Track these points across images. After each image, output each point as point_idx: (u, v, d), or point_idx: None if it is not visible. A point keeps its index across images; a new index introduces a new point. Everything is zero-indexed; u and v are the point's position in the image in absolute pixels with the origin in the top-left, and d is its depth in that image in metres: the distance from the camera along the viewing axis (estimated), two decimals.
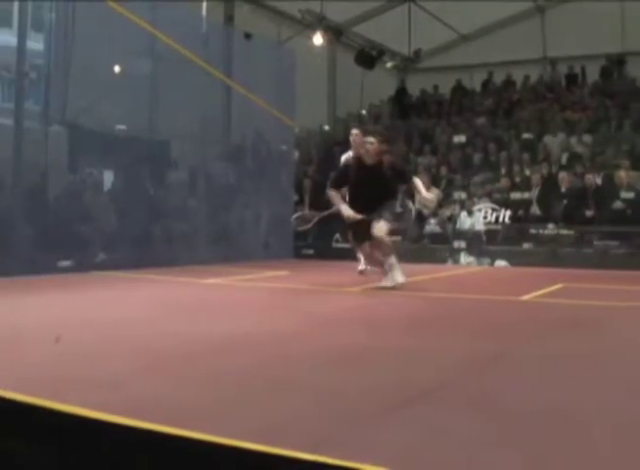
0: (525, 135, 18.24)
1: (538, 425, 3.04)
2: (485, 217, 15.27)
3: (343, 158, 10.48)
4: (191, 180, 14.32)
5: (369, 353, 4.70)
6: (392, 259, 8.67)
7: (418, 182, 9.03)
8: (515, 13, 21.33)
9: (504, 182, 16.29)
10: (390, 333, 5.72)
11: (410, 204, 11.18)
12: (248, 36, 15.12)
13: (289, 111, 15.92)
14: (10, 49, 10.94)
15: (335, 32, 19.34)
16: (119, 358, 4.41)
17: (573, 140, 17.56)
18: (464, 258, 15.00)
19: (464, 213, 15.47)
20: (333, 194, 8.76)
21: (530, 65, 21.55)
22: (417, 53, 21.84)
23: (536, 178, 15.66)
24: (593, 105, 19.01)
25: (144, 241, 12.36)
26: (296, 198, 16.39)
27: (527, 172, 16.37)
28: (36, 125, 11.55)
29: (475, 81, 22.44)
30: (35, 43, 11.73)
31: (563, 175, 15.32)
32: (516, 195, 15.73)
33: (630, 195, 14.43)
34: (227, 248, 13.97)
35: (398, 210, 9.27)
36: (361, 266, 10.61)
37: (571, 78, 20.95)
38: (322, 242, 15.28)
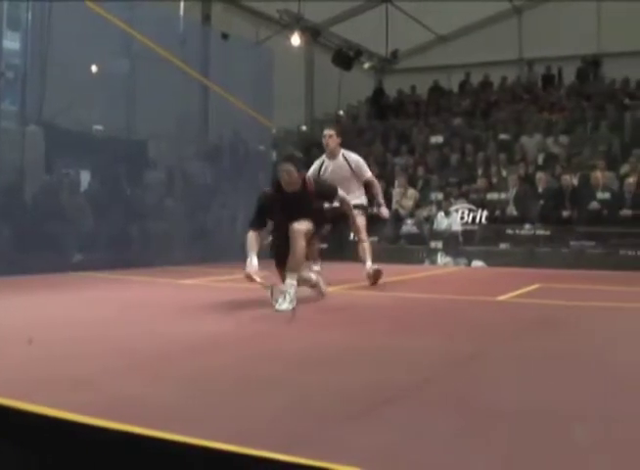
0: (502, 136, 18.33)
1: (515, 425, 3.05)
2: (462, 218, 15.31)
3: (316, 164, 9.87)
4: (168, 180, 14.27)
5: (345, 354, 4.70)
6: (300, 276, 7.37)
7: (343, 197, 8.03)
8: (492, 14, 21.44)
9: (481, 183, 16.35)
10: (366, 333, 5.71)
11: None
12: (225, 36, 15.10)
13: (266, 111, 15.90)
14: None
15: (312, 33, 19.36)
16: (95, 359, 4.38)
17: (550, 141, 17.65)
18: (441, 259, 15.04)
19: (441, 214, 15.53)
20: (249, 236, 7.22)
21: (508, 66, 21.66)
22: (394, 54, 21.92)
23: (513, 179, 15.71)
24: (569, 106, 19.12)
25: (121, 241, 12.31)
26: None
27: (504, 173, 16.44)
28: (13, 125, 11.49)
29: (452, 82, 22.52)
30: (12, 42, 11.67)
31: (540, 176, 15.40)
32: (493, 195, 15.80)
33: (606, 195, 14.53)
34: (205, 248, 13.93)
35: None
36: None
37: (548, 79, 21.08)
38: None
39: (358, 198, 9.47)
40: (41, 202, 11.63)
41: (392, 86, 23.13)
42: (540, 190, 15.24)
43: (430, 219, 15.75)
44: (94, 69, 12.71)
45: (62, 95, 11.89)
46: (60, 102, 11.91)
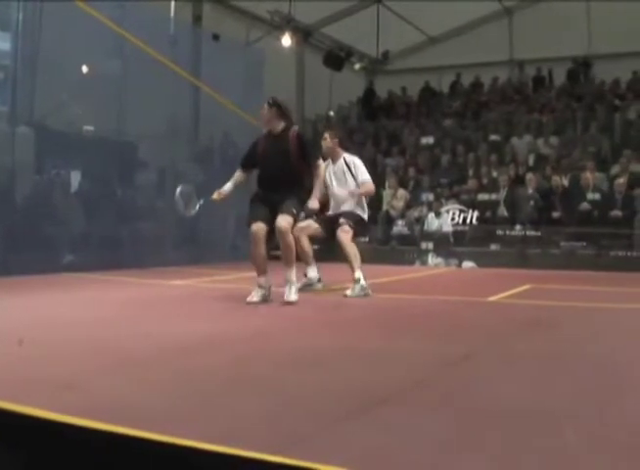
0: (493, 137, 18.38)
1: (506, 424, 3.06)
2: (453, 219, 15.34)
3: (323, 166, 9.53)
4: (159, 181, 14.24)
5: (336, 355, 4.70)
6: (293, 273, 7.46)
7: (317, 180, 7.98)
8: (483, 15, 21.49)
9: (472, 183, 16.37)
10: (358, 334, 5.72)
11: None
12: (216, 37, 15.09)
13: (257, 112, 15.80)
14: None
15: (303, 33, 19.37)
16: (86, 359, 4.37)
17: (540, 142, 17.72)
18: (431, 260, 15.06)
19: (431, 215, 15.55)
20: (235, 173, 7.90)
21: (498, 67, 21.72)
22: (385, 55, 21.95)
23: (504, 180, 15.75)
24: (560, 107, 19.18)
25: (112, 242, 12.28)
26: None
27: (495, 174, 16.47)
28: (3, 126, 11.44)
29: (443, 83, 22.58)
30: (2, 43, 11.63)
31: (530, 177, 15.42)
32: (483, 196, 15.83)
33: (596, 196, 14.59)
34: (195, 249, 13.90)
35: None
36: (251, 297, 7.50)
37: (539, 81, 21.14)
38: None
39: (349, 205, 8.92)
40: (32, 203, 11.59)
41: (383, 87, 23.15)
42: (530, 191, 15.26)
43: (420, 220, 15.76)
44: (85, 69, 12.68)
45: (52, 96, 11.87)
46: (50, 103, 11.88)
